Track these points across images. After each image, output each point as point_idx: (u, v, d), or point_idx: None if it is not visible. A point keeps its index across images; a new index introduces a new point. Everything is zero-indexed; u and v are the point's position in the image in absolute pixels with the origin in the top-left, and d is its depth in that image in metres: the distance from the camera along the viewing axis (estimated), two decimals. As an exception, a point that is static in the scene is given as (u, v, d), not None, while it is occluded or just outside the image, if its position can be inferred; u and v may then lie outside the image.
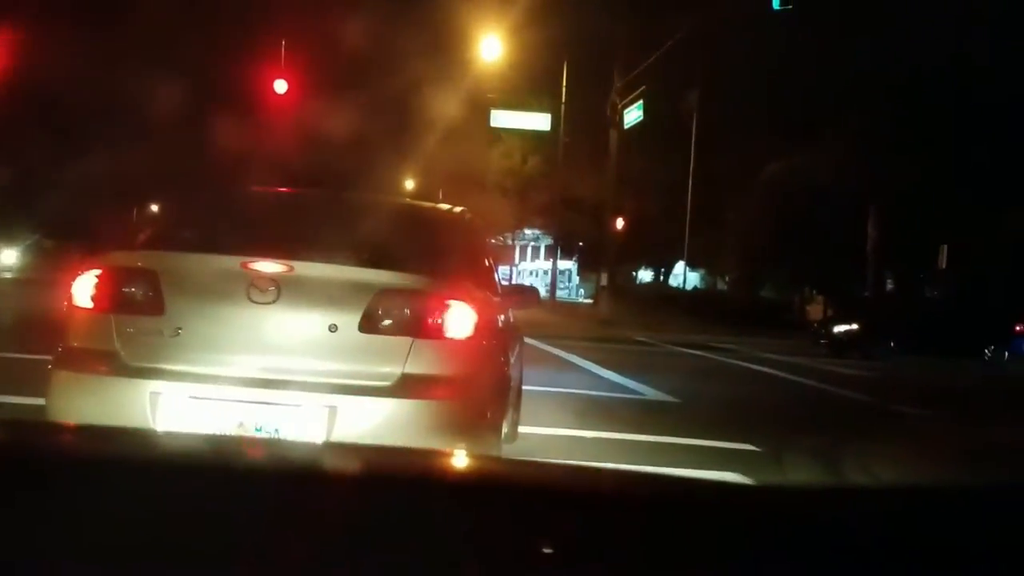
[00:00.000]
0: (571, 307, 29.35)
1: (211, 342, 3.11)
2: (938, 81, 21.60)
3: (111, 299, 3.18)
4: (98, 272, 3.25)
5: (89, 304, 3.20)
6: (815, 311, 26.10)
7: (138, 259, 3.31)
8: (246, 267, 3.13)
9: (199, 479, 0.89)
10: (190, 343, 3.09)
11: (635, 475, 1.24)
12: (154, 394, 3.00)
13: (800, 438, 6.29)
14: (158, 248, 3.42)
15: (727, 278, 35.21)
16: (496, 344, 3.58)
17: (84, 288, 3.21)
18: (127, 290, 3.18)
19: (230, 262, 3.18)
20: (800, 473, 5.22)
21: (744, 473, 4.97)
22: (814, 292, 31.37)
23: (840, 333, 16.41)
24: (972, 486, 1.14)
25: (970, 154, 21.61)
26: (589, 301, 33.36)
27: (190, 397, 3.00)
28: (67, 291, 3.25)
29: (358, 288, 3.11)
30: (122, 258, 3.36)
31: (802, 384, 10.93)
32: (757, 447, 5.81)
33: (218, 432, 2.92)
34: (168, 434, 2.41)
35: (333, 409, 2.97)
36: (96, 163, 25.80)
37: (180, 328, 3.10)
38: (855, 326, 16.36)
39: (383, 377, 3.06)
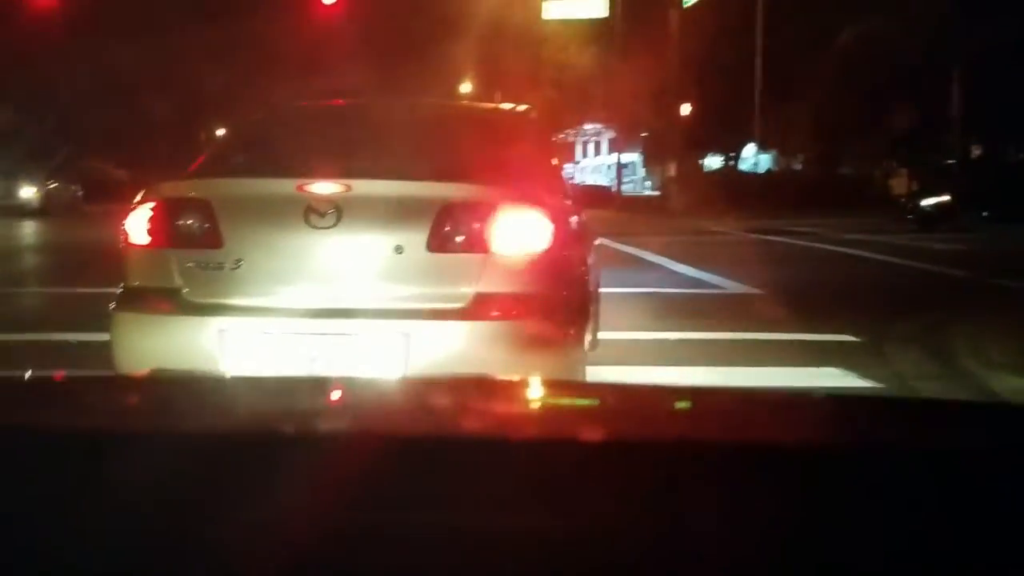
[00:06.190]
0: (639, 201, 28.66)
1: (273, 273, 2.93)
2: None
3: (167, 233, 3.02)
4: (151, 205, 3.08)
5: (146, 240, 3.04)
6: (899, 185, 24.88)
7: (190, 188, 3.11)
8: (302, 190, 2.92)
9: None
10: (252, 276, 2.92)
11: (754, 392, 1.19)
12: (221, 331, 2.86)
13: (900, 324, 5.87)
14: (209, 175, 3.21)
15: (801, 158, 33.82)
16: (574, 253, 3.31)
17: (138, 223, 3.06)
18: (182, 223, 3.00)
19: (285, 185, 2.97)
20: (907, 364, 4.89)
21: (846, 368, 4.68)
22: (896, 165, 29.93)
23: (929, 206, 15.53)
24: None
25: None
26: (656, 193, 32.58)
27: (261, 332, 2.85)
28: (120, 227, 3.10)
29: (422, 204, 2.87)
30: (173, 188, 3.17)
31: (893, 264, 10.38)
32: (856, 337, 5.48)
33: (291, 370, 2.77)
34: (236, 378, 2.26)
35: (407, 336, 2.79)
36: (161, 89, 25.85)
37: (240, 260, 2.92)
38: (945, 197, 15.45)
39: (456, 299, 2.85)
